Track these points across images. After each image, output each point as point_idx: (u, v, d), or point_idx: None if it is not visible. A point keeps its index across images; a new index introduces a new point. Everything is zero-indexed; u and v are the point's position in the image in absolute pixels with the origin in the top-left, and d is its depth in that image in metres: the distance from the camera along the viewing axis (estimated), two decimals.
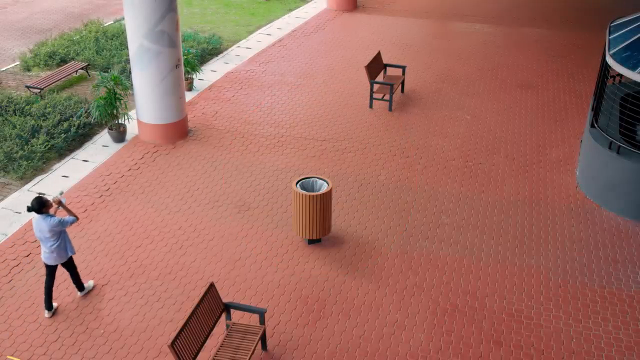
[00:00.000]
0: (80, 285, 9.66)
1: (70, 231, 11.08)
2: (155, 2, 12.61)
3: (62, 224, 8.94)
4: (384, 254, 10.69)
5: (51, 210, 9.13)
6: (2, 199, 12.07)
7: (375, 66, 15.83)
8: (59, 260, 9.19)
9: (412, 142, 14.16)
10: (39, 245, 10.72)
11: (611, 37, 12.21)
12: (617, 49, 11.63)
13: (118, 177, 12.69)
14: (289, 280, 10.09)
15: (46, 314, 9.34)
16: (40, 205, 8.80)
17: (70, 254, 9.28)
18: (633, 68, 11.01)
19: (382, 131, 14.58)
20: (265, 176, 12.82)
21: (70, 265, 9.41)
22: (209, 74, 17.53)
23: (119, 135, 13.90)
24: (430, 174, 12.95)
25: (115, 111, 13.92)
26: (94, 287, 9.92)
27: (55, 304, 9.53)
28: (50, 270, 9.25)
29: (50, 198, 9.21)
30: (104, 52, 18.12)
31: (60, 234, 9.06)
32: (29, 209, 8.78)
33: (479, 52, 19.39)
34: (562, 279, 10.19)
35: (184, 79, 14.12)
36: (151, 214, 11.60)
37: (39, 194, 8.55)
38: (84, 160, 13.34)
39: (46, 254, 9.14)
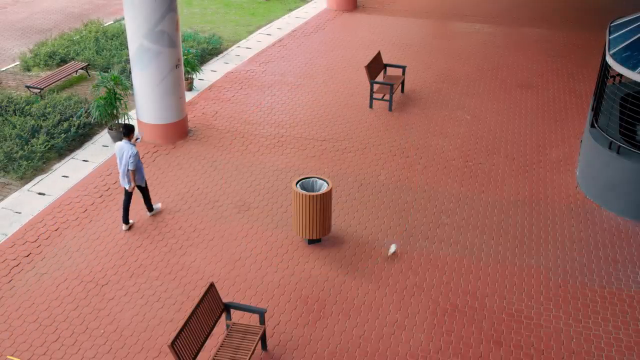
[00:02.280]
0: (149, 207, 11.45)
1: (71, 231, 11.09)
2: (155, 2, 12.61)
3: (133, 158, 10.62)
4: (384, 254, 10.69)
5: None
6: (2, 199, 12.07)
7: (375, 66, 15.82)
8: (128, 185, 10.90)
9: (412, 142, 14.16)
10: (39, 246, 10.74)
11: (611, 37, 12.22)
12: (617, 49, 11.63)
13: (118, 177, 12.69)
14: (289, 280, 10.10)
15: (123, 226, 11.15)
16: (128, 130, 10.72)
17: (139, 183, 10.99)
18: (633, 68, 11.01)
19: (382, 131, 14.58)
20: (265, 176, 12.82)
21: (143, 190, 11.24)
22: (209, 74, 17.53)
23: (119, 135, 13.90)
24: (430, 174, 12.95)
25: (115, 111, 13.91)
26: (160, 209, 11.61)
27: (131, 221, 11.30)
28: (127, 194, 11.00)
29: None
30: (104, 52, 18.12)
31: (133, 165, 10.75)
32: (122, 126, 10.74)
33: (479, 52, 19.39)
34: (562, 279, 10.19)
35: (184, 79, 14.12)
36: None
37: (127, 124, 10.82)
38: (84, 160, 13.35)
39: (121, 177, 10.90)
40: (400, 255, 10.66)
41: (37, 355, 8.71)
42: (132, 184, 10.88)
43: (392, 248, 9.61)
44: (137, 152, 10.70)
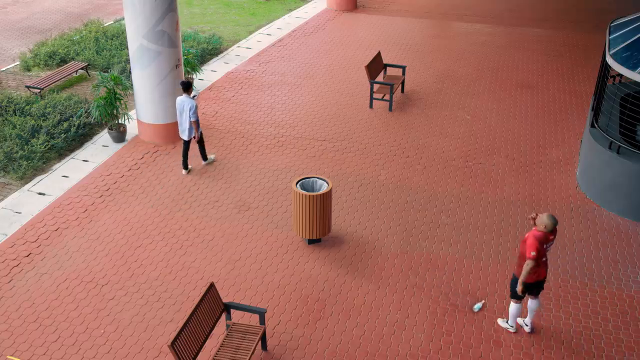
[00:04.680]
0: (204, 156, 12.98)
1: (71, 231, 11.09)
2: (155, 2, 12.61)
3: (193, 111, 12.12)
4: (384, 254, 10.70)
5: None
6: (2, 199, 12.07)
7: (375, 66, 15.82)
8: (188, 136, 12.44)
9: (412, 142, 14.16)
10: (39, 246, 10.74)
11: (611, 37, 12.22)
12: (617, 49, 11.63)
13: (118, 177, 12.69)
14: (289, 280, 10.10)
15: (183, 172, 12.79)
16: (187, 86, 12.08)
17: (189, 137, 12.43)
18: (633, 68, 11.02)
19: (382, 131, 14.58)
20: (265, 176, 12.82)
21: (199, 141, 12.71)
22: (209, 74, 17.53)
23: (119, 135, 13.90)
24: (430, 174, 12.96)
25: (115, 111, 13.91)
26: (214, 159, 13.15)
27: (190, 166, 12.93)
28: (185, 144, 12.57)
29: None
30: (104, 52, 18.12)
31: (195, 117, 12.21)
32: (181, 82, 12.17)
33: (479, 52, 19.39)
34: (562, 279, 10.19)
35: (184, 79, 14.12)
36: (151, 214, 11.61)
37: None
38: (84, 160, 13.35)
39: (181, 130, 12.49)
40: (400, 255, 10.67)
41: (37, 355, 8.71)
42: (196, 133, 12.36)
43: (479, 305, 9.63)
44: (195, 105, 12.09)
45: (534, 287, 8.72)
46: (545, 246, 8.38)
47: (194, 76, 16.86)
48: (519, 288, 8.55)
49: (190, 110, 12.12)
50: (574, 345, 8.96)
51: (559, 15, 23.11)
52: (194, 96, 12.21)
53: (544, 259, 8.48)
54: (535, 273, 8.51)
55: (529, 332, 9.15)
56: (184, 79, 12.51)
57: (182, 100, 12.21)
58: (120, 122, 14.06)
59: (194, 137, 12.44)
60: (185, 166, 12.72)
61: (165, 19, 12.85)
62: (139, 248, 10.76)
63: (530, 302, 8.99)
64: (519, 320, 9.19)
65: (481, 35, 20.86)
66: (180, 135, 12.55)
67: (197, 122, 12.29)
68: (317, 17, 22.42)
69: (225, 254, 10.66)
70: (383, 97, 15.70)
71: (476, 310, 9.52)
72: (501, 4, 24.40)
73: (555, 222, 8.29)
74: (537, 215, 8.54)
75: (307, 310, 9.53)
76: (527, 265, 8.34)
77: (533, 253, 8.26)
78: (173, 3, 12.92)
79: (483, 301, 9.70)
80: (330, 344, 8.95)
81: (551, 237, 8.41)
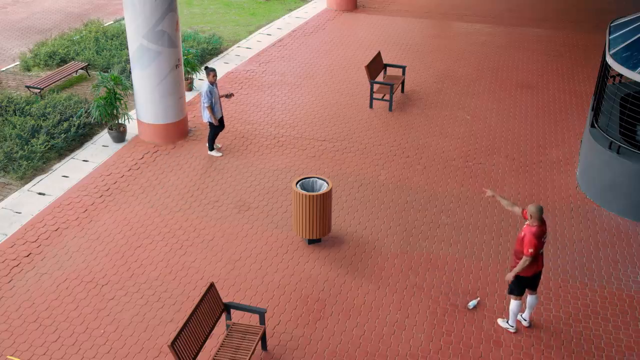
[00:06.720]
0: (210, 146, 13.38)
1: (71, 231, 11.09)
2: (155, 2, 12.61)
3: (204, 97, 12.71)
4: (384, 254, 10.70)
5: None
6: (2, 199, 12.07)
7: (375, 66, 15.82)
8: (203, 119, 13.05)
9: (412, 142, 14.16)
10: (39, 246, 10.74)
11: (611, 37, 12.22)
12: (617, 49, 11.63)
13: (118, 177, 12.69)
14: (289, 280, 10.10)
15: (208, 152, 13.46)
16: (206, 72, 12.71)
17: (206, 120, 13.01)
18: (633, 68, 11.02)
19: (382, 131, 14.58)
20: (265, 176, 12.82)
21: (211, 127, 13.15)
22: None
23: (119, 135, 13.90)
24: (430, 174, 12.96)
25: (115, 111, 13.91)
26: (221, 155, 13.35)
27: (220, 153, 13.44)
28: (209, 127, 13.22)
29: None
30: (104, 52, 18.12)
31: (207, 102, 12.72)
32: (205, 67, 13.39)
33: (479, 52, 19.39)
34: (562, 279, 10.19)
35: (184, 79, 14.12)
36: (151, 214, 11.61)
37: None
38: (84, 160, 13.35)
39: (201, 113, 13.56)
40: (400, 255, 10.67)
41: (37, 355, 8.71)
42: (211, 117, 12.82)
43: (474, 302, 9.61)
44: (207, 90, 12.63)
45: (533, 281, 8.84)
46: (542, 239, 8.51)
47: (194, 76, 16.87)
48: (509, 277, 8.70)
49: (203, 96, 12.72)
50: (574, 345, 8.96)
51: (559, 15, 23.10)
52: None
53: (541, 251, 8.63)
54: (534, 266, 8.67)
55: (527, 327, 9.16)
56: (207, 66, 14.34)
57: (203, 85, 12.91)
58: (120, 122, 14.05)
59: (212, 122, 12.95)
60: (211, 148, 13.37)
61: (165, 19, 12.85)
62: (139, 248, 10.76)
63: (529, 298, 9.04)
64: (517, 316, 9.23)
65: (481, 35, 20.86)
66: (202, 119, 13.33)
67: (210, 107, 12.74)
68: (317, 17, 22.42)
69: (225, 254, 10.66)
70: (383, 97, 15.70)
71: (471, 307, 9.53)
72: (501, 4, 24.39)
73: (540, 209, 8.39)
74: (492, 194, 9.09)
75: (307, 310, 9.53)
76: (525, 261, 8.46)
77: (531, 250, 8.39)
78: (173, 3, 12.92)
79: (478, 298, 9.71)
80: (330, 344, 8.95)
81: (544, 229, 8.51)
